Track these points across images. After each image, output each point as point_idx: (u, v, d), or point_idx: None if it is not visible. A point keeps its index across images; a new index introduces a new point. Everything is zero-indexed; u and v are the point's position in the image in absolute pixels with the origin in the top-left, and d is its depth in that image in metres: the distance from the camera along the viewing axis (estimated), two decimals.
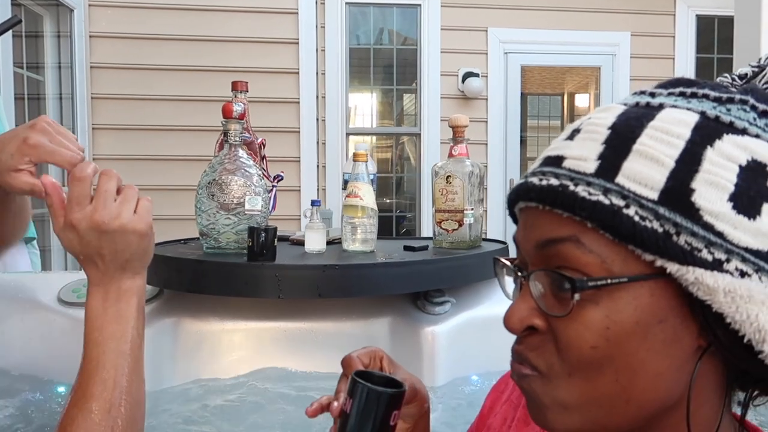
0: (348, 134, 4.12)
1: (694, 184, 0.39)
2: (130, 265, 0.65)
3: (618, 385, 0.40)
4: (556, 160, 0.43)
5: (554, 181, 0.41)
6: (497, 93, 4.19)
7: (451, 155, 1.45)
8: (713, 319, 0.39)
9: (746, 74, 0.47)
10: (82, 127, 3.24)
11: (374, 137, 4.63)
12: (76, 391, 0.61)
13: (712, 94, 0.43)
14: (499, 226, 4.16)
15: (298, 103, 3.43)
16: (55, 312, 1.28)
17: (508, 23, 4.13)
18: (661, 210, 0.38)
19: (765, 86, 0.46)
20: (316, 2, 3.69)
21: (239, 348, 1.27)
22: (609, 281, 0.39)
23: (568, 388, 0.41)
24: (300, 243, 1.47)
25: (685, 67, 4.29)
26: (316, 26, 3.68)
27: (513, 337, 0.54)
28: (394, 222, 4.43)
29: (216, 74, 3.33)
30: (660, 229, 0.38)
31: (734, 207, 0.38)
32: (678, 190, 0.39)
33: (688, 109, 0.42)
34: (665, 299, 0.39)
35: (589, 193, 0.39)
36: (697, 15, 4.28)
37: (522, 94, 4.33)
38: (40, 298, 1.30)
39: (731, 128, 0.41)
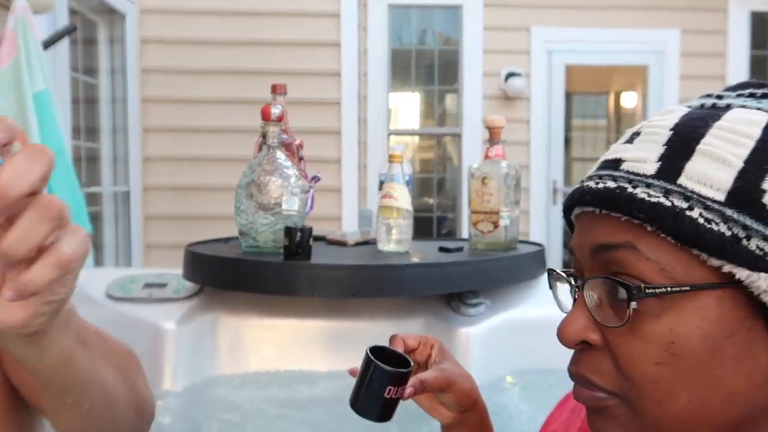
0: (389, 134, 4.14)
1: (766, 185, 0.36)
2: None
3: (692, 407, 0.37)
4: (613, 163, 0.41)
5: (611, 184, 0.39)
6: (540, 93, 4.12)
7: (487, 156, 1.44)
8: None
9: None
10: (134, 128, 3.37)
11: (417, 138, 4.63)
12: None
13: None
14: (541, 228, 4.09)
15: (339, 104, 3.47)
16: (102, 306, 1.34)
17: (552, 22, 4.06)
18: (729, 212, 0.36)
19: None
20: (359, 4, 3.72)
21: (274, 345, 1.30)
22: (669, 289, 0.36)
23: (643, 412, 0.37)
24: (337, 243, 1.49)
25: (738, 64, 4.12)
26: (359, 28, 3.71)
27: (550, 339, 0.51)
28: (434, 223, 4.42)
29: (258, 76, 3.40)
30: (728, 233, 0.35)
31: None
32: (747, 191, 0.36)
33: (759, 109, 0.40)
34: (734, 311, 0.36)
35: (649, 195, 0.37)
36: (751, 11, 4.11)
37: (567, 93, 4.25)
38: (89, 293, 1.36)
39: None
